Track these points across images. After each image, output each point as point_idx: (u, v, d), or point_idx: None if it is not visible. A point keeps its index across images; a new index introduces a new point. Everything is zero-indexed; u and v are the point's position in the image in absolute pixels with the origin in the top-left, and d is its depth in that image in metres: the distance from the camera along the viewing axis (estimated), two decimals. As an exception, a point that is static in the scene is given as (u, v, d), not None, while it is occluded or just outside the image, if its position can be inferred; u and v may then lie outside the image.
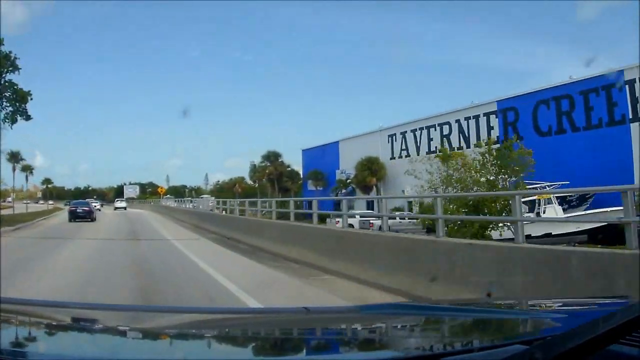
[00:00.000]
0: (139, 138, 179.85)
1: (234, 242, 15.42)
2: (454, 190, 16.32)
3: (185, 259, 11.66)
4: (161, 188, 55.06)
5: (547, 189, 22.30)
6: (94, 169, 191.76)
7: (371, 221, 21.17)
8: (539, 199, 22.17)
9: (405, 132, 43.10)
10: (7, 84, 20.60)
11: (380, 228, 13.14)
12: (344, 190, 46.09)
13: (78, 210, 31.44)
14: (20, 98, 23.28)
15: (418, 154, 36.18)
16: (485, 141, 20.81)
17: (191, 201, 42.28)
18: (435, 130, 40.09)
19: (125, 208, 66.65)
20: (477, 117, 36.26)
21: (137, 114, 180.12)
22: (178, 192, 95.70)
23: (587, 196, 24.23)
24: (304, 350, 1.63)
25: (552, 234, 19.02)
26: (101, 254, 12.93)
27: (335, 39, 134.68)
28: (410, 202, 30.03)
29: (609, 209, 16.65)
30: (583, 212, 22.17)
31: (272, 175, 62.51)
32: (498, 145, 20.10)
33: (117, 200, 76.68)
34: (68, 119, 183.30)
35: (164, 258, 11.96)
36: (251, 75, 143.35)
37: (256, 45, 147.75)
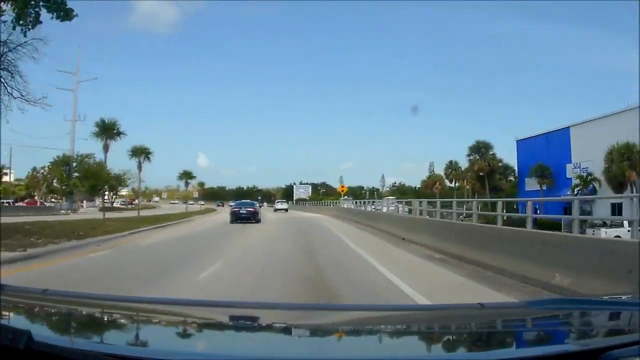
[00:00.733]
0: (310, 141, 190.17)
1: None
2: None
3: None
4: (342, 186, 52.90)
5: None
6: (261, 170, 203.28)
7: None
8: None
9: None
10: None
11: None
12: (578, 189, 39.18)
13: (241, 212, 30.09)
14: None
15: None
16: None
17: (372, 202, 38.72)
18: None
19: (286, 210, 64.32)
20: None
21: (308, 118, 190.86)
22: (355, 193, 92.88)
23: None
24: (480, 345, 1.70)
25: None
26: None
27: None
28: None
29: None
30: None
31: (483, 171, 52.75)
32: None
33: (278, 202, 74.60)
34: (233, 121, 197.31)
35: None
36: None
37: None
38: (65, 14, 15.08)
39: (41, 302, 2.04)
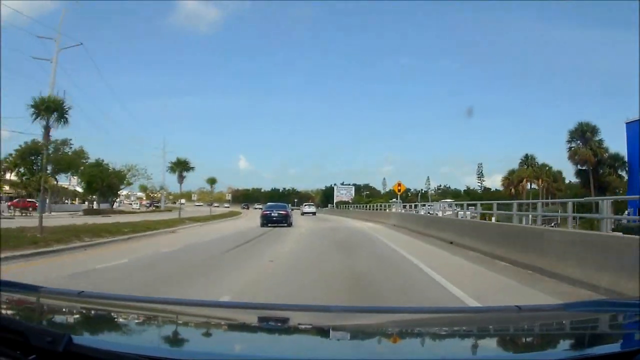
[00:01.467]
0: (351, 144, 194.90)
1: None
2: None
3: None
4: (398, 184, 40.70)
5: None
6: (301, 172, 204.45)
7: None
8: None
9: None
10: None
11: None
12: None
13: (273, 214, 29.12)
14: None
15: None
16: None
17: (424, 205, 36.85)
18: None
19: (314, 213, 62.49)
20: None
21: (349, 121, 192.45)
22: (401, 196, 78.83)
23: None
24: (517, 347, 1.74)
25: None
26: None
27: None
28: None
29: None
30: None
31: (588, 163, 38.70)
32: None
33: (305, 205, 71.88)
34: (274, 123, 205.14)
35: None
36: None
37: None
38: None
39: (78, 303, 2.09)
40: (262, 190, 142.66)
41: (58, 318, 1.91)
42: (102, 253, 13.51)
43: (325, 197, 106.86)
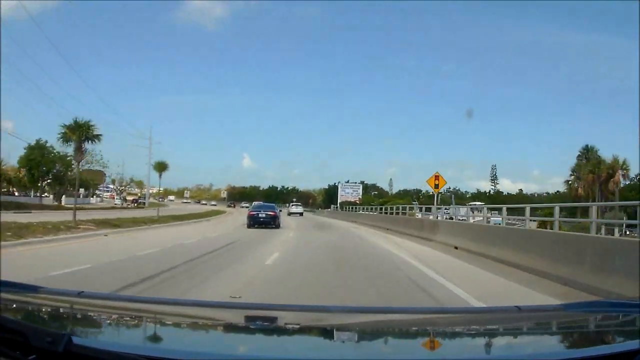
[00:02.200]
0: (356, 146, 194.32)
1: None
2: None
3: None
4: (436, 177, 26.08)
5: None
6: (305, 173, 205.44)
7: None
8: None
9: None
10: None
11: None
12: None
13: (260, 215, 28.57)
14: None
15: None
16: None
17: (439, 208, 30.20)
18: None
19: (301, 214, 60.25)
20: None
21: (354, 123, 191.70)
22: (411, 197, 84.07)
23: None
24: (518, 347, 1.79)
25: None
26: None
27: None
28: None
29: None
30: None
31: None
32: None
33: (292, 205, 68.56)
34: (278, 122, 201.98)
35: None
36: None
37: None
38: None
39: (77, 304, 2.12)
40: (261, 188, 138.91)
41: (58, 318, 1.93)
42: None
43: (329, 197, 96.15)
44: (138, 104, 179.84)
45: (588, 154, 48.87)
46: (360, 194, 74.54)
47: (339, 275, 10.63)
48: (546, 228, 16.14)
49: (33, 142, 48.21)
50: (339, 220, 48.72)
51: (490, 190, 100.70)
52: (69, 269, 9.61)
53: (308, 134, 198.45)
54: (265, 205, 34.44)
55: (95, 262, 10.80)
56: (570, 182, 50.71)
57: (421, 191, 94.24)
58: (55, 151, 47.33)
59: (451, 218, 28.30)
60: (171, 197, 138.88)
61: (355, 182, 79.95)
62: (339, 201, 70.33)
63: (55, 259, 11.56)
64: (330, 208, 69.24)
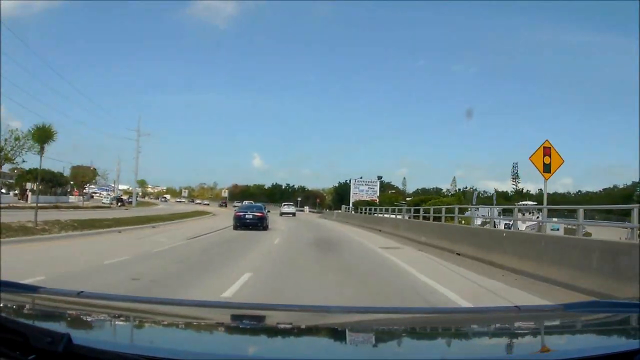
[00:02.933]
0: (365, 147, 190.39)
1: None
2: None
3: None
4: (547, 150, 14.46)
5: None
6: (314, 173, 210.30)
7: None
8: None
9: None
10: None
11: None
12: None
13: (247, 217, 27.71)
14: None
15: None
16: None
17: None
18: None
19: (294, 214, 57.58)
20: None
21: (364, 123, 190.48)
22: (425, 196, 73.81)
23: None
24: (517, 347, 1.79)
25: None
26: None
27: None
28: None
29: None
30: None
31: None
32: None
33: (284, 205, 65.50)
34: (289, 123, 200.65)
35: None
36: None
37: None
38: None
39: (77, 304, 2.15)
40: (266, 187, 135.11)
41: (57, 318, 1.92)
42: None
43: (339, 197, 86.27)
44: (146, 103, 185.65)
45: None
46: (378, 191, 61.74)
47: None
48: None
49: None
50: (354, 227, 37.09)
51: (511, 190, 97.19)
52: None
53: (318, 134, 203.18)
54: (252, 205, 33.48)
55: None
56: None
57: (441, 189, 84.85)
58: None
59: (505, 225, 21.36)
60: (166, 196, 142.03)
61: (371, 180, 66.16)
62: (351, 201, 58.70)
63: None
64: (341, 209, 58.32)
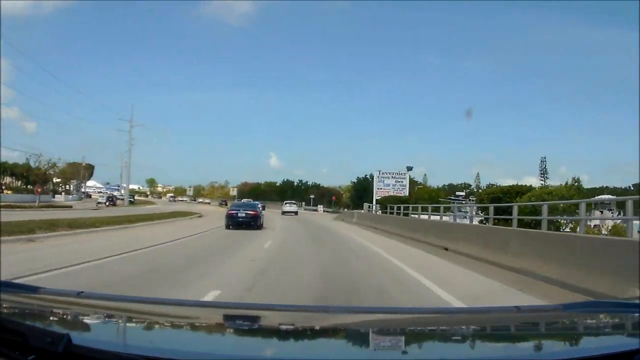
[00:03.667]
0: (382, 146, 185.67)
1: None
2: None
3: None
4: None
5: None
6: (332, 171, 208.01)
7: None
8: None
9: None
10: None
11: None
12: None
13: (239, 215, 26.24)
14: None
15: None
16: None
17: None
18: None
19: (296, 213, 54.43)
20: None
21: (380, 121, 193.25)
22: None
23: None
24: (517, 347, 1.80)
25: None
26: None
27: None
28: None
29: None
30: None
31: None
32: None
33: (286, 203, 61.83)
34: (306, 122, 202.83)
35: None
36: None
37: None
38: None
39: (77, 304, 2.17)
40: (277, 184, 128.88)
41: (57, 318, 1.93)
42: None
43: (358, 194, 76.97)
44: (159, 101, 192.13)
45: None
46: (408, 186, 49.19)
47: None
48: None
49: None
50: (389, 237, 24.09)
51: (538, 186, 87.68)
52: None
53: (334, 132, 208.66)
54: (246, 203, 33.70)
55: None
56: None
57: (469, 185, 75.35)
58: None
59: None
60: (170, 195, 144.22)
61: (399, 171, 52.32)
62: (375, 197, 47.32)
63: None
64: (362, 208, 46.38)
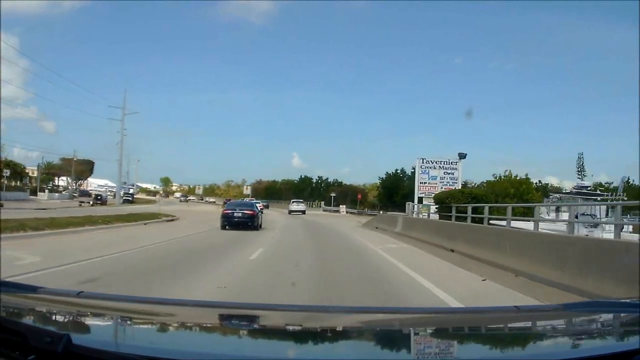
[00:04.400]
0: (400, 147, 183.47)
1: None
2: None
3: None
4: None
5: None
6: (355, 171, 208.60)
7: None
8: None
9: None
10: None
11: None
12: None
13: (235, 215, 25.27)
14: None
15: None
16: None
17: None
18: None
19: (304, 212, 52.96)
20: None
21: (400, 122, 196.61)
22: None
23: None
24: (517, 347, 1.84)
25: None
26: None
27: None
28: None
29: None
30: None
31: None
32: None
33: (294, 202, 60.65)
34: (329, 123, 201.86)
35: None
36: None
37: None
38: None
39: (77, 304, 2.19)
40: (295, 182, 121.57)
41: (57, 318, 1.96)
42: None
43: (387, 193, 65.98)
44: (177, 101, 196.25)
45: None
46: (460, 178, 35.03)
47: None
48: None
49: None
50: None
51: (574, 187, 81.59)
52: None
53: (355, 131, 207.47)
54: (242, 203, 32.82)
55: None
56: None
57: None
58: None
59: None
60: (177, 194, 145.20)
61: (449, 159, 38.77)
62: (417, 194, 34.92)
63: None
64: (404, 211, 32.80)
